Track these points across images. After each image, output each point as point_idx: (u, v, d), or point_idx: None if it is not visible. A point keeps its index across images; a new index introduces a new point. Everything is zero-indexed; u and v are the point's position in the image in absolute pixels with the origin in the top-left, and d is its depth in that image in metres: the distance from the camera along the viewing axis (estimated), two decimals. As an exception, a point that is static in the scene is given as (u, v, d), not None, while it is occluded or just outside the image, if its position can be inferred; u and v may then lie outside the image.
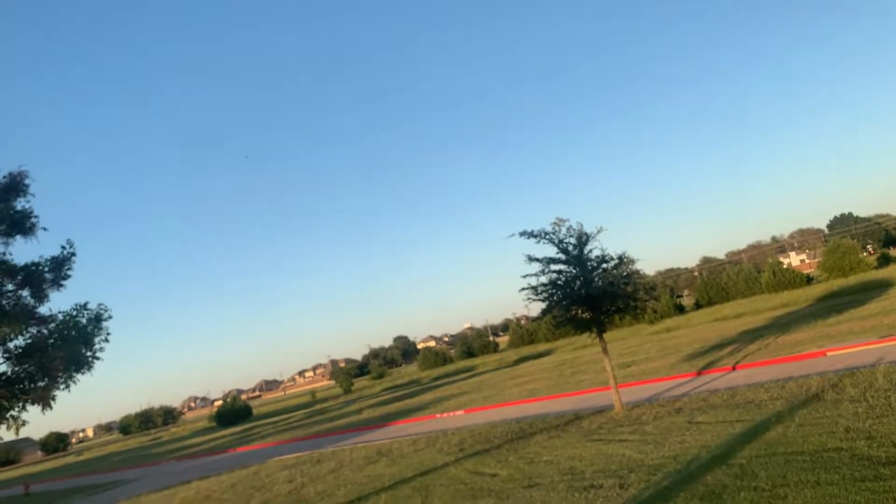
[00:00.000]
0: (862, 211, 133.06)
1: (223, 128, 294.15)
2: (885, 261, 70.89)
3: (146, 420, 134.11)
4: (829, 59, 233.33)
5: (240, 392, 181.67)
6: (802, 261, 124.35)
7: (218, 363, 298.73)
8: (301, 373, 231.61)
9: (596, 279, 16.65)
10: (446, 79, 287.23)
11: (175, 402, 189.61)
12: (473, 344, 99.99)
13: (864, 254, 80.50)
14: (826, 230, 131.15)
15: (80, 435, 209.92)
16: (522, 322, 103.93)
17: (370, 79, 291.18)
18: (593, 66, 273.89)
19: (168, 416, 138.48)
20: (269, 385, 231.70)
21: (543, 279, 17.01)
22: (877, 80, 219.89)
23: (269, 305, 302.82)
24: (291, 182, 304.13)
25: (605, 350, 17.38)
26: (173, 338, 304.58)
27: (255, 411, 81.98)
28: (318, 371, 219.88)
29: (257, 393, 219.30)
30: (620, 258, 16.99)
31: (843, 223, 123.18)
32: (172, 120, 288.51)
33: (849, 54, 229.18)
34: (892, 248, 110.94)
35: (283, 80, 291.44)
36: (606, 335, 17.92)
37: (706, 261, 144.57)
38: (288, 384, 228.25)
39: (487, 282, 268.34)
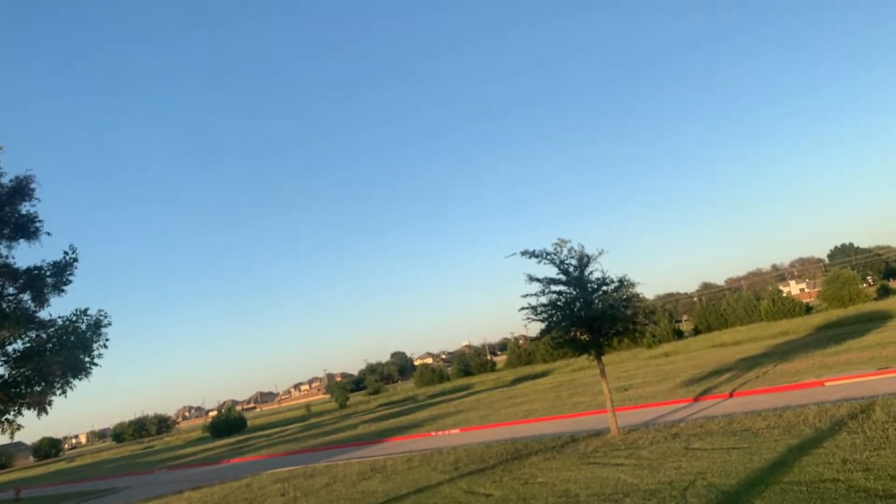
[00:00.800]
0: (862, 242, 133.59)
1: (221, 140, 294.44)
2: (884, 292, 70.89)
3: (140, 428, 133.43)
4: (831, 87, 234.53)
5: (235, 403, 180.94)
6: (802, 290, 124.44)
7: (214, 373, 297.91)
8: (297, 386, 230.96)
9: (596, 301, 16.66)
10: (448, 94, 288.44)
11: (169, 410, 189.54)
12: (471, 362, 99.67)
13: (864, 285, 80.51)
14: (826, 260, 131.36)
15: (73, 441, 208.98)
16: (520, 342, 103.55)
17: (370, 97, 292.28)
18: (595, 87, 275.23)
19: (162, 424, 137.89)
20: (265, 397, 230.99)
21: (543, 300, 17.02)
22: (880, 110, 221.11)
23: (267, 317, 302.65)
24: (293, 194, 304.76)
25: (602, 373, 17.35)
26: (170, 346, 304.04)
27: (249, 423, 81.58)
28: (313, 385, 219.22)
29: (252, 404, 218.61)
30: (621, 281, 17.00)
31: (843, 253, 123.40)
32: (168, 127, 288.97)
33: (849, 83, 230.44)
34: (891, 279, 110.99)
35: (285, 98, 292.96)
36: (605, 358, 17.88)
37: (706, 287, 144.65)
38: (283, 397, 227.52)
39: (487, 300, 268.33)
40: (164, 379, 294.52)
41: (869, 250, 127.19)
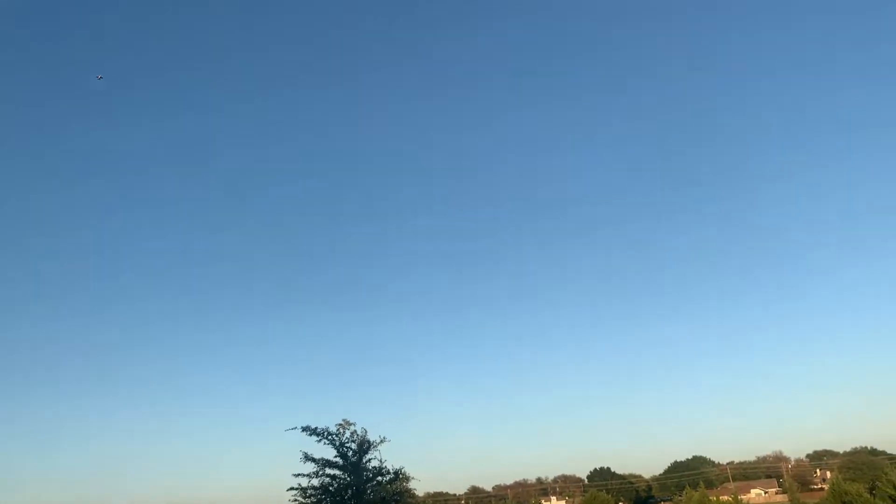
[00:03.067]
0: (619, 468, 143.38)
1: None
2: (633, 519, 75.47)
3: None
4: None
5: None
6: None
7: None
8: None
9: (369, 491, 16.28)
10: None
11: None
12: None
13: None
14: (586, 480, 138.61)
15: None
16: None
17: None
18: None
19: None
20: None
21: (315, 482, 16.42)
22: (638, 351, 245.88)
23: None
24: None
25: (362, 570, 16.52)
26: None
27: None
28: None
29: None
30: (396, 473, 16.89)
31: (601, 476, 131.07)
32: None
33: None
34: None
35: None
36: (367, 554, 17.13)
37: (474, 490, 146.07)
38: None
39: (252, 473, 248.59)
40: None
41: (623, 477, 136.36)
